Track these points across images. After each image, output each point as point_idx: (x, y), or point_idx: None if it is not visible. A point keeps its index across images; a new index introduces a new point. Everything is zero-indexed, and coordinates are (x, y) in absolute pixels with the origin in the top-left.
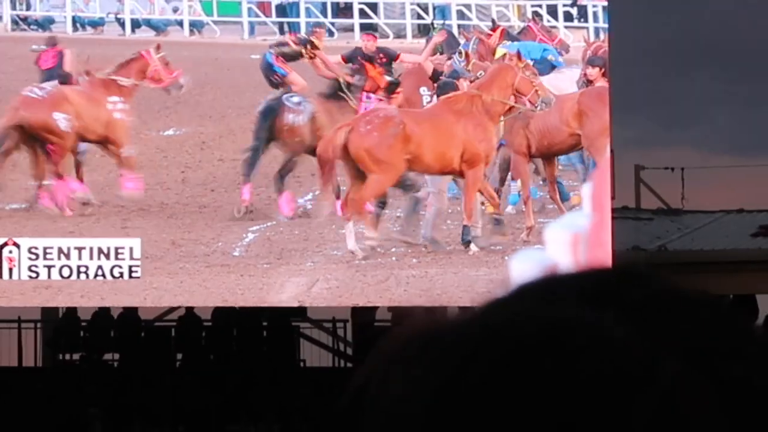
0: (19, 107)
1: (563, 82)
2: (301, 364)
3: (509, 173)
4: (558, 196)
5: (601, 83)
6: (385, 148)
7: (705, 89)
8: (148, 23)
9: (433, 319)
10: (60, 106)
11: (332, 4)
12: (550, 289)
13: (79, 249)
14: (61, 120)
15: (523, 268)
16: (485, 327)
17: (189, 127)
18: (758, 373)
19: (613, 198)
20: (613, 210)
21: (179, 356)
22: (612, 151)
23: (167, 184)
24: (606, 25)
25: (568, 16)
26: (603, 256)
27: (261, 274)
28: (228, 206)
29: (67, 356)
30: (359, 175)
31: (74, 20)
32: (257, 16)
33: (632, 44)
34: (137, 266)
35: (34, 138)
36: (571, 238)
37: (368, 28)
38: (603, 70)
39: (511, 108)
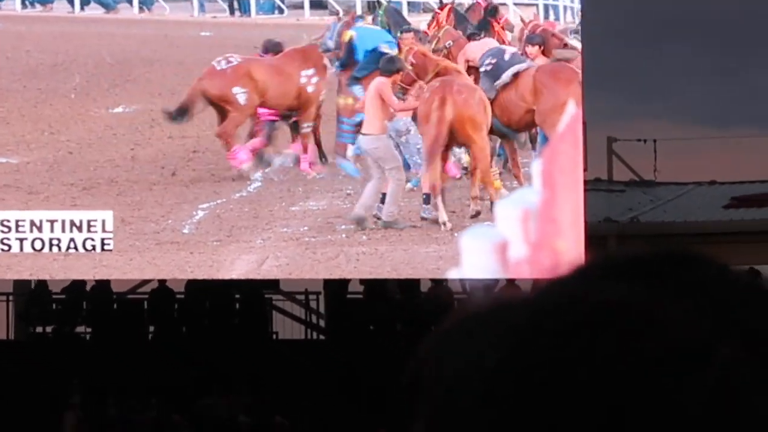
0: (203, 78)
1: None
2: (274, 337)
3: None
4: (521, 174)
5: (541, 61)
6: (482, 112)
7: (678, 61)
8: (98, 1)
9: (495, 297)
10: (240, 79)
11: None
12: (608, 269)
13: (52, 222)
14: (240, 94)
15: (473, 244)
16: (544, 306)
17: (138, 104)
18: None
19: (585, 170)
20: (585, 182)
21: (152, 329)
22: (584, 123)
23: (116, 162)
24: (557, 3)
25: None
26: (554, 232)
27: (211, 251)
28: (178, 183)
29: (39, 329)
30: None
31: None
32: None
33: (605, 17)
34: (110, 239)
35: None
36: (522, 214)
37: (317, 6)
38: (542, 47)
39: None
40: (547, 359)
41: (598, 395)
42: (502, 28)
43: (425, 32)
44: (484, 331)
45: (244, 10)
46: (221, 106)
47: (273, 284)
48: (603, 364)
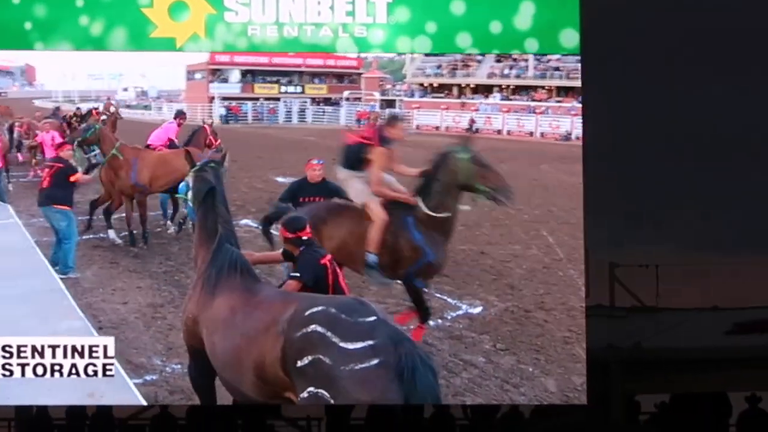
0: None
1: None
2: None
3: None
4: None
5: None
6: None
7: (678, 186)
8: None
9: None
10: None
11: None
12: None
13: (53, 347)
14: None
15: None
16: None
17: None
18: None
19: (587, 296)
20: (587, 308)
21: None
22: (586, 249)
23: None
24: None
25: None
26: None
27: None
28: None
29: None
30: None
31: None
32: None
33: (607, 142)
34: (111, 365)
35: None
36: None
37: None
38: None
39: None
40: None
41: None
42: None
43: None
44: None
45: None
46: None
47: (275, 409)
48: None
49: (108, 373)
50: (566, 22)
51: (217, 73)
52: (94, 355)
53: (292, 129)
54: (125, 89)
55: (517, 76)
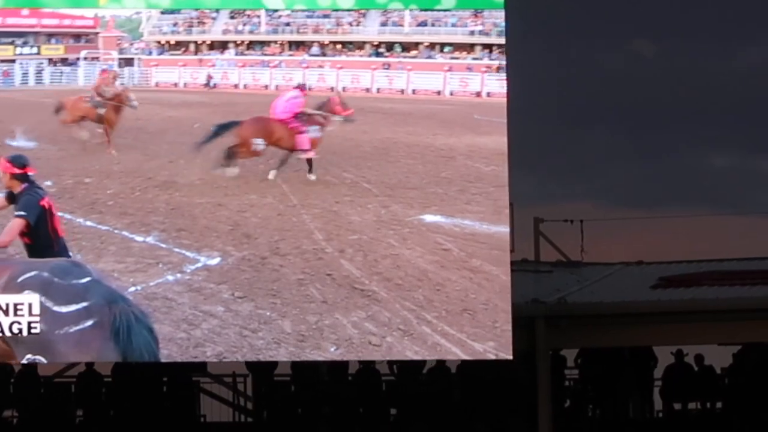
0: None
1: None
2: (202, 420)
3: None
4: None
5: None
6: None
7: (601, 144)
8: None
9: None
10: None
11: None
12: None
13: None
14: None
15: None
16: None
17: None
18: None
19: (512, 251)
20: (513, 263)
21: (80, 413)
22: (511, 204)
23: None
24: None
25: None
26: None
27: None
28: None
29: None
30: None
31: None
32: None
33: (530, 101)
34: (36, 322)
35: None
36: None
37: None
38: None
39: None
40: None
41: None
42: None
43: None
44: None
45: None
46: None
47: (201, 367)
48: None
49: (33, 331)
50: None
51: None
52: (19, 313)
53: (29, 91)
54: None
55: (251, 32)
